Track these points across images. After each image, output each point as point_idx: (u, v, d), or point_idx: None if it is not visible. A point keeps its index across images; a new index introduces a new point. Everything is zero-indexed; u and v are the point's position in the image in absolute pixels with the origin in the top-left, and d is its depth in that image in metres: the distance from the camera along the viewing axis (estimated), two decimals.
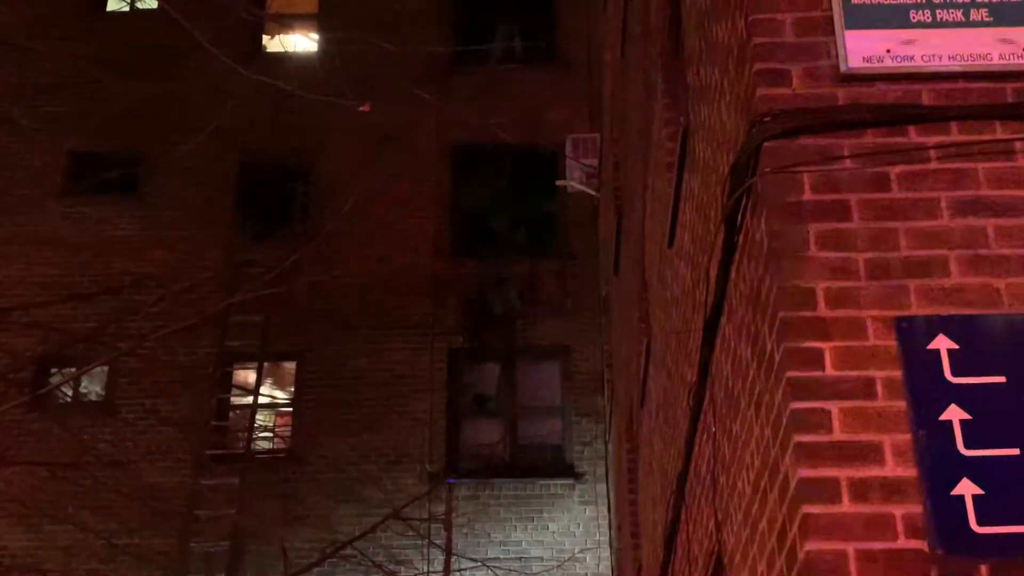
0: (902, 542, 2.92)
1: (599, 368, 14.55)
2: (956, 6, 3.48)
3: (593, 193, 14.18)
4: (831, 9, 3.51)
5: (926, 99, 3.42)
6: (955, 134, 3.37)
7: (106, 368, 14.40)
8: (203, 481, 13.90)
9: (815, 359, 3.14)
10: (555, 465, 14.53)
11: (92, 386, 15.12)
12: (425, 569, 13.76)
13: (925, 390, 3.06)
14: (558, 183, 14.65)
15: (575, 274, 15.40)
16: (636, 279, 8.82)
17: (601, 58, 13.97)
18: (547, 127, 15.65)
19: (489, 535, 13.99)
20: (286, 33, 16.62)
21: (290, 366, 15.39)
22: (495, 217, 16.37)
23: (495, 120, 15.51)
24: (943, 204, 3.30)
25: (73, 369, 12.90)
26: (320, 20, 17.01)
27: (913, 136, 3.38)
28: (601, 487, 14.05)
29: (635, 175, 8.77)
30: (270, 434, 15.10)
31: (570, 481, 14.32)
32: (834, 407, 3.08)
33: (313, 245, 13.87)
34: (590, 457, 14.43)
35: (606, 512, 13.77)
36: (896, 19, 3.47)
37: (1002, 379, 3.06)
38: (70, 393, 14.83)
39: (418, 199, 15.73)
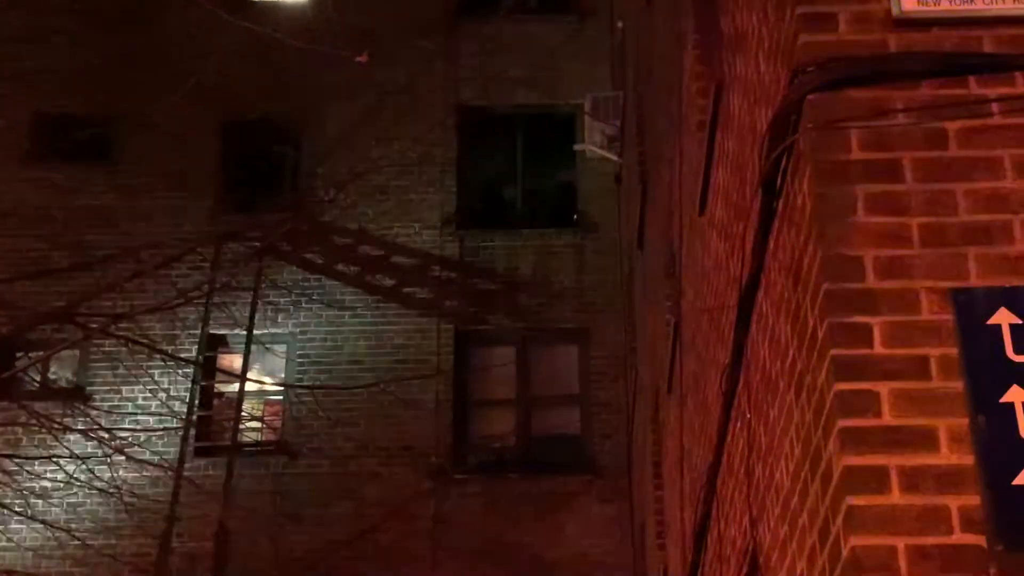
0: (958, 537, 2.92)
1: (621, 352, 14.56)
2: None
3: (615, 158, 14.16)
4: None
5: (988, 46, 3.40)
6: (1020, 85, 3.35)
7: (77, 351, 14.45)
8: (185, 476, 13.96)
9: (862, 335, 3.13)
10: (572, 459, 14.57)
11: (62, 371, 15.18)
12: (430, 573, 13.82)
13: (984, 369, 3.05)
14: (576, 147, 14.63)
15: (595, 248, 15.40)
16: (663, 253, 8.82)
17: (624, 6, 13.92)
18: (564, 84, 15.63)
19: (500, 535, 14.03)
20: None
21: (281, 349, 15.43)
22: (506, 185, 16.36)
23: (506, 77, 15.49)
24: (1007, 163, 3.28)
25: (41, 352, 12.95)
26: None
27: (974, 87, 3.36)
28: (623, 483, 14.08)
29: (662, 137, 8.76)
30: (259, 424, 15.15)
31: (589, 476, 14.36)
32: (883, 388, 3.08)
33: (305, 215, 13.89)
34: (611, 450, 14.46)
35: (628, 510, 13.80)
36: None
37: None
38: (38, 378, 14.89)
39: (421, 165, 15.74)
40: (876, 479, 2.99)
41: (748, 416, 4.54)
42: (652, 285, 10.14)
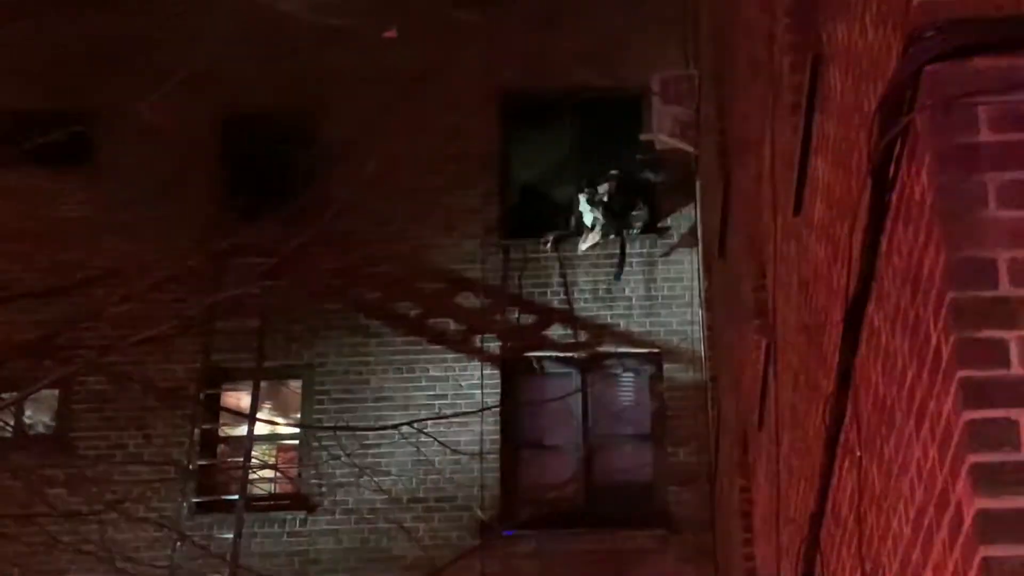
0: None
1: (700, 381, 14.53)
2: None
3: (689, 149, 14.16)
4: None
5: None
6: None
7: (56, 391, 14.58)
8: (187, 535, 14.04)
9: (996, 354, 3.12)
10: (644, 511, 14.56)
11: (39, 415, 15.32)
12: None
13: None
14: (643, 137, 14.64)
15: (668, 257, 15.38)
16: (750, 260, 8.82)
17: None
18: (628, 62, 15.63)
19: None
20: None
21: (295, 385, 15.50)
22: (560, 184, 16.38)
23: (558, 54, 15.49)
24: None
25: (14, 393, 13.09)
26: None
27: None
28: (705, 538, 14.04)
29: (748, 122, 8.76)
30: (271, 474, 15.21)
31: (664, 531, 14.33)
32: (1022, 417, 3.06)
33: (321, 226, 13.92)
34: (690, 500, 14.43)
35: (712, 571, 13.77)
36: None
37: None
38: (11, 424, 15.03)
39: (458, 163, 15.79)
40: (1016, 525, 2.98)
41: (858, 454, 4.53)
42: (738, 300, 10.12)
